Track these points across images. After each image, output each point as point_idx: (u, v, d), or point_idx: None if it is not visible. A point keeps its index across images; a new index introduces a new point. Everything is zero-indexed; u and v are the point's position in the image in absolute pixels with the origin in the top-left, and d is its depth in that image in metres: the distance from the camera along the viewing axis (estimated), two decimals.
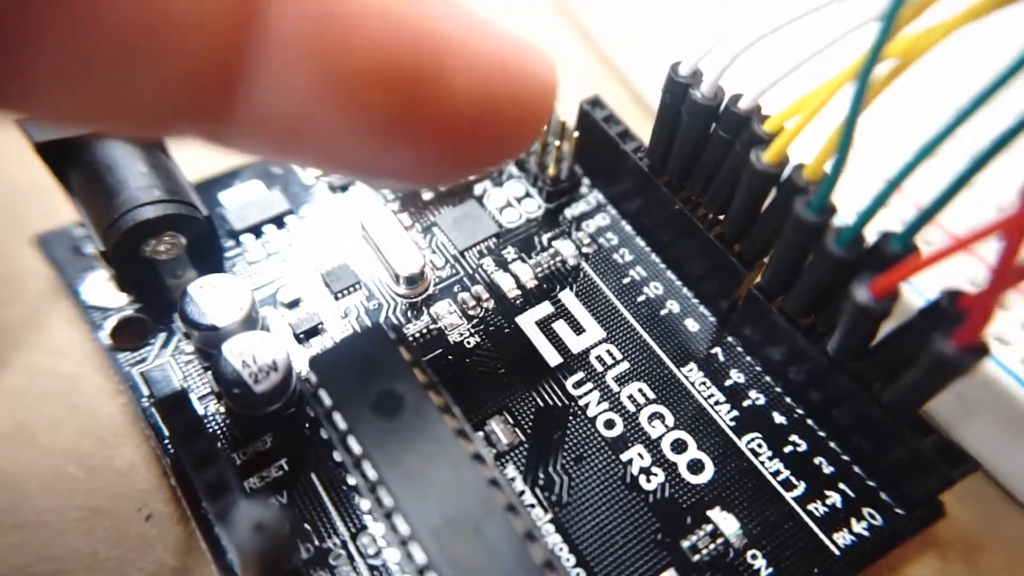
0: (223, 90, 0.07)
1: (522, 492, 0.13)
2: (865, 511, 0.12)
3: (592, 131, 0.16)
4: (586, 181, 0.17)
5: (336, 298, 0.15)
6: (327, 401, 0.12)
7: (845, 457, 0.13)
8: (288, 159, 0.09)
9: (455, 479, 0.11)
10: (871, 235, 0.11)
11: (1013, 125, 0.08)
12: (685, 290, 0.16)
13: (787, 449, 0.13)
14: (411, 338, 0.15)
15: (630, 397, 0.14)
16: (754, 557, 0.12)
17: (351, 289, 0.15)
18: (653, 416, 0.14)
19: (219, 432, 0.13)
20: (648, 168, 0.15)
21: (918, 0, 0.09)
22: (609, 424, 0.14)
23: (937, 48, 0.09)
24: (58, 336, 0.14)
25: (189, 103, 0.07)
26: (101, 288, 0.14)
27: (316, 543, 0.12)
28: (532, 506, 0.13)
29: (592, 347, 0.15)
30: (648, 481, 0.13)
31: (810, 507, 0.13)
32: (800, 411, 0.14)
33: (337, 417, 0.12)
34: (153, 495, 0.12)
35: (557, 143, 0.16)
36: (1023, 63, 0.08)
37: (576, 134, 0.16)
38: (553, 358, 0.15)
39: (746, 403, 0.14)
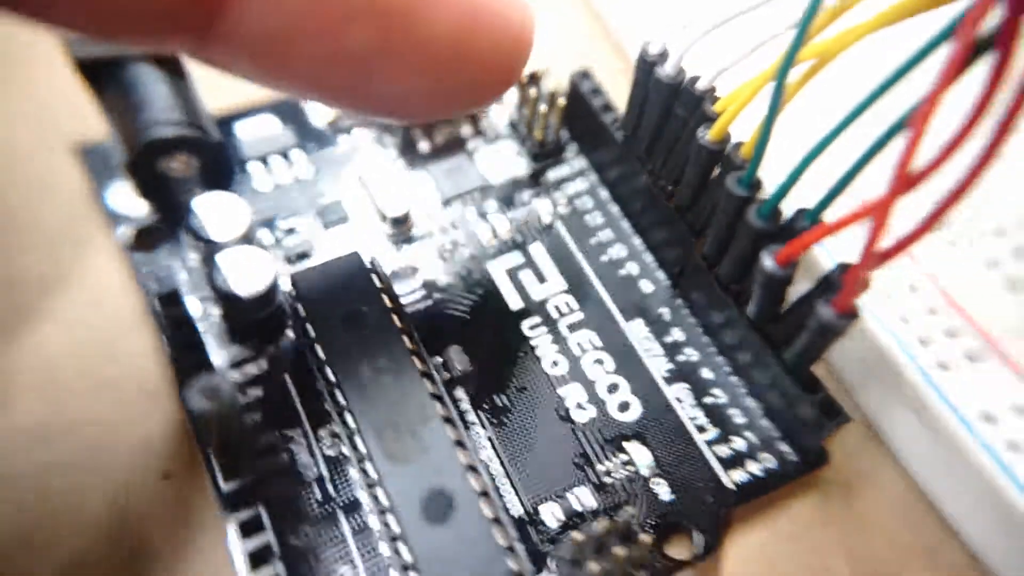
0: (210, 6, 0.08)
1: (467, 411, 0.15)
2: (763, 455, 0.14)
3: (580, 102, 0.18)
4: (574, 147, 0.19)
5: (326, 228, 0.17)
6: (302, 313, 0.13)
7: (757, 410, 0.15)
8: (271, 82, 0.10)
9: (402, 390, 0.13)
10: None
11: (901, 116, 0.09)
12: (647, 255, 0.17)
13: (708, 400, 0.15)
14: (388, 271, 0.16)
15: (578, 343, 0.16)
16: (658, 484, 0.14)
17: (341, 222, 0.17)
18: (595, 361, 0.15)
19: (212, 330, 0.15)
20: (622, 139, 0.16)
21: (830, 9, 0.10)
22: (555, 363, 0.15)
23: (851, 49, 0.10)
24: (86, 237, 0.16)
25: (178, 15, 0.08)
26: (125, 197, 0.16)
27: (281, 431, 0.14)
28: (474, 423, 0.14)
29: (552, 296, 0.16)
30: (579, 413, 0.15)
31: (716, 448, 0.14)
32: (727, 369, 0.15)
33: (309, 327, 0.13)
34: (156, 377, 0.14)
35: (544, 109, 0.18)
36: (917, 60, 0.09)
37: (563, 102, 0.18)
38: (515, 302, 0.16)
39: (680, 358, 0.15)
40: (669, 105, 0.14)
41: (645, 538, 0.12)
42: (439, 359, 0.15)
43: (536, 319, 0.16)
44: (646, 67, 0.14)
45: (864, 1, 0.10)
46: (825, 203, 0.11)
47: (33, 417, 0.14)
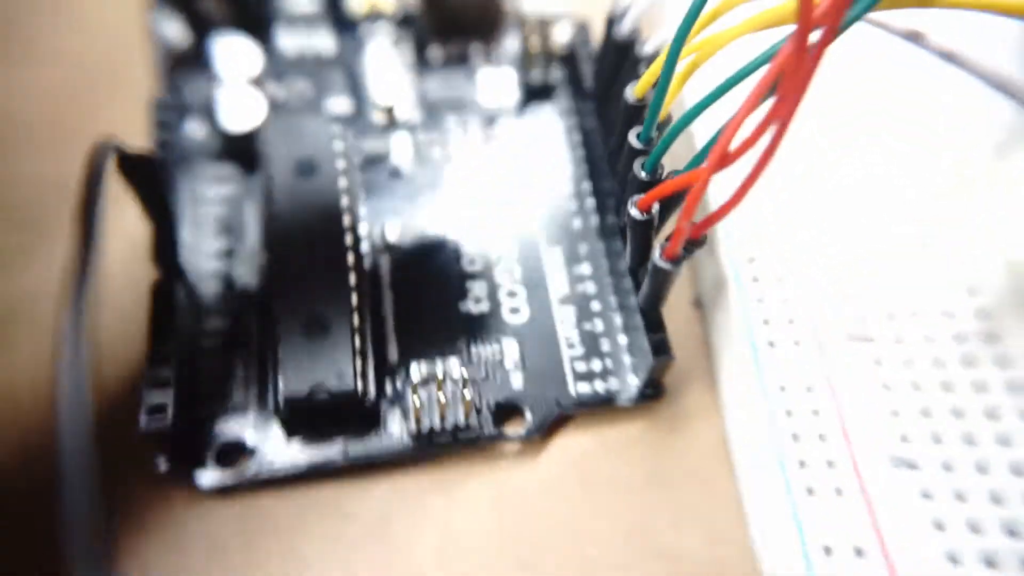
0: None
1: (384, 275, 0.17)
2: (611, 379, 0.16)
3: (572, 49, 0.20)
4: (568, 89, 0.21)
5: (326, 98, 0.19)
6: (267, 149, 0.16)
7: (624, 345, 0.17)
8: None
9: (323, 236, 0.15)
10: None
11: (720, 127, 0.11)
12: (590, 199, 0.19)
13: (587, 326, 0.17)
14: (360, 148, 0.19)
15: (498, 252, 0.18)
16: (515, 374, 0.16)
17: (339, 95, 0.19)
18: (506, 269, 0.18)
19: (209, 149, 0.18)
20: (592, 89, 0.18)
21: (706, 15, 0.12)
22: (472, 261, 0.18)
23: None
24: (132, 54, 0.19)
25: None
26: (173, 22, 0.19)
27: (228, 240, 0.17)
28: (386, 284, 0.17)
29: (491, 208, 0.19)
30: (475, 305, 0.17)
31: (576, 364, 0.16)
32: (615, 306, 0.17)
33: (267, 163, 0.16)
34: None
35: (536, 48, 0.20)
36: (758, 64, 0.11)
37: (558, 46, 0.20)
38: (460, 203, 0.19)
39: (579, 287, 0.18)
40: (621, 62, 0.16)
41: (467, 396, 0.15)
42: (378, 228, 0.18)
43: (471, 220, 0.18)
44: (609, 24, 0.16)
45: (736, 9, 0.11)
46: (692, 166, 0.13)
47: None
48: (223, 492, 0.14)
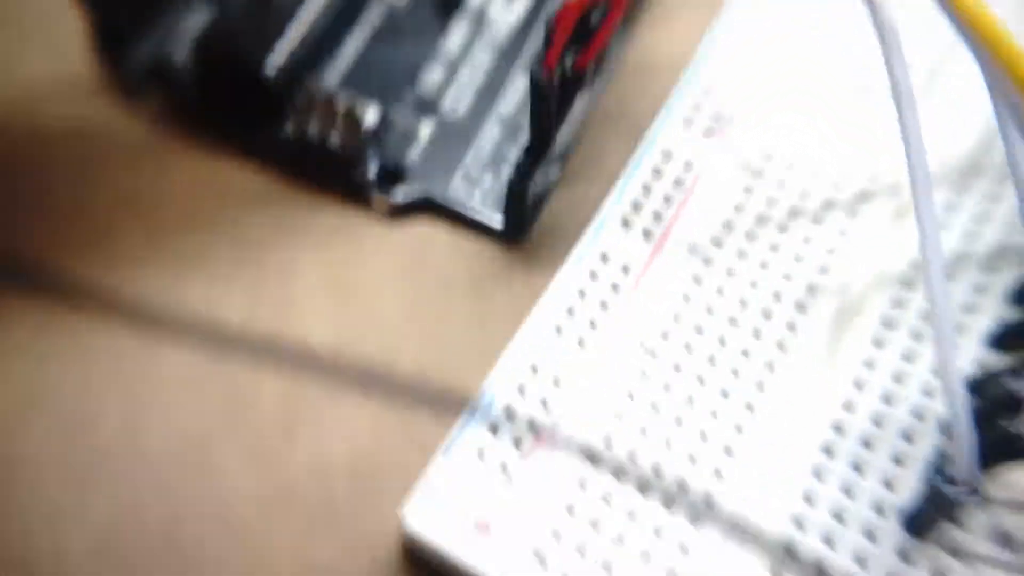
0: None
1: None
2: (492, 201, 0.17)
3: None
4: None
5: None
6: None
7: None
8: None
9: None
10: None
11: None
12: None
13: (504, 149, 0.17)
14: None
15: (471, 56, 0.18)
16: (415, 150, 0.17)
17: None
18: (470, 71, 0.18)
19: None
20: None
21: None
22: (444, 54, 0.18)
23: None
24: None
25: None
26: None
27: None
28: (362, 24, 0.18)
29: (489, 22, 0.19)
30: (422, 87, 0.18)
31: (473, 170, 0.17)
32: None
33: None
34: None
35: None
36: None
37: None
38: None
39: (522, 118, 0.18)
40: None
41: (352, 131, 0.16)
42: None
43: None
44: None
45: None
46: None
47: None
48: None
